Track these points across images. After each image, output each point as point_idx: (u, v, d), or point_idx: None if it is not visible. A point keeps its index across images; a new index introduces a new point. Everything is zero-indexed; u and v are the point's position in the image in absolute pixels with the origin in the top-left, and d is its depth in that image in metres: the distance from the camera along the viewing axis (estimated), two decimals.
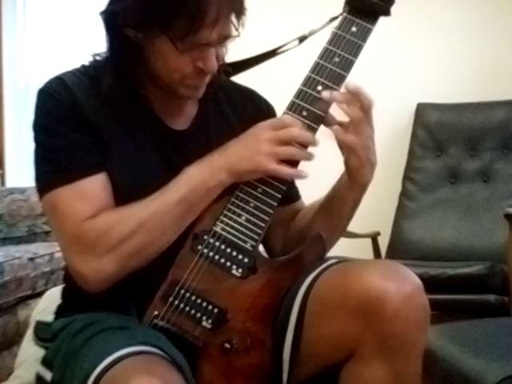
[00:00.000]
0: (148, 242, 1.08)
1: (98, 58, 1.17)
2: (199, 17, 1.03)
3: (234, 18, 1.08)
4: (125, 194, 1.11)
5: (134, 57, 1.12)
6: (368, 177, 1.13)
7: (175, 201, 1.08)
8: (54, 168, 1.11)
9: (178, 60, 1.08)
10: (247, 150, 1.09)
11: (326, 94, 1.10)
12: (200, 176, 1.09)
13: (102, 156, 1.11)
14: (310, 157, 1.11)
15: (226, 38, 1.10)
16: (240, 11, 1.09)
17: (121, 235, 1.07)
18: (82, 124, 1.11)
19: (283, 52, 1.27)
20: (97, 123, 1.11)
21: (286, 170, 1.09)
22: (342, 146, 1.10)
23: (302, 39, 1.25)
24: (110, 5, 1.11)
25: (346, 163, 1.12)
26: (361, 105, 1.08)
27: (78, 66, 1.19)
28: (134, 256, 1.08)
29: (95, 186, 1.10)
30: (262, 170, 1.09)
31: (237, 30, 1.09)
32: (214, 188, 1.10)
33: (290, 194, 1.26)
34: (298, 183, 1.30)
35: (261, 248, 1.17)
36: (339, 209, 1.18)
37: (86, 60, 1.18)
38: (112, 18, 1.09)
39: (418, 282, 1.02)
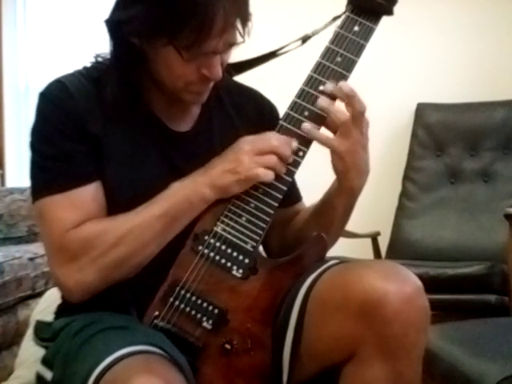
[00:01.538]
0: (129, 255, 1.08)
1: (99, 59, 1.17)
2: (207, 27, 1.02)
3: (239, 25, 1.07)
4: (125, 197, 1.11)
5: (138, 63, 1.12)
6: (356, 183, 1.13)
7: (157, 214, 1.08)
8: (47, 176, 1.11)
9: (182, 68, 1.08)
10: (228, 163, 1.09)
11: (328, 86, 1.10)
12: (183, 191, 1.10)
13: (96, 165, 1.11)
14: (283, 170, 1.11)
15: (231, 45, 1.09)
16: (245, 18, 1.08)
17: (103, 247, 1.07)
18: (78, 132, 1.10)
19: (286, 52, 1.26)
20: (95, 130, 1.11)
21: (268, 174, 1.09)
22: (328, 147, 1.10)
23: (304, 39, 1.24)
24: (114, 13, 1.10)
25: (332, 166, 1.12)
26: (352, 109, 1.08)
27: (79, 67, 1.18)
28: (116, 268, 1.08)
29: (85, 196, 1.10)
30: (245, 178, 1.09)
31: (242, 36, 1.09)
32: (196, 203, 1.10)
33: (291, 196, 1.26)
34: (301, 185, 1.30)
35: (260, 248, 1.17)
36: (330, 213, 1.18)
37: (88, 61, 1.18)
38: (117, 27, 1.08)
39: (419, 283, 1.02)
